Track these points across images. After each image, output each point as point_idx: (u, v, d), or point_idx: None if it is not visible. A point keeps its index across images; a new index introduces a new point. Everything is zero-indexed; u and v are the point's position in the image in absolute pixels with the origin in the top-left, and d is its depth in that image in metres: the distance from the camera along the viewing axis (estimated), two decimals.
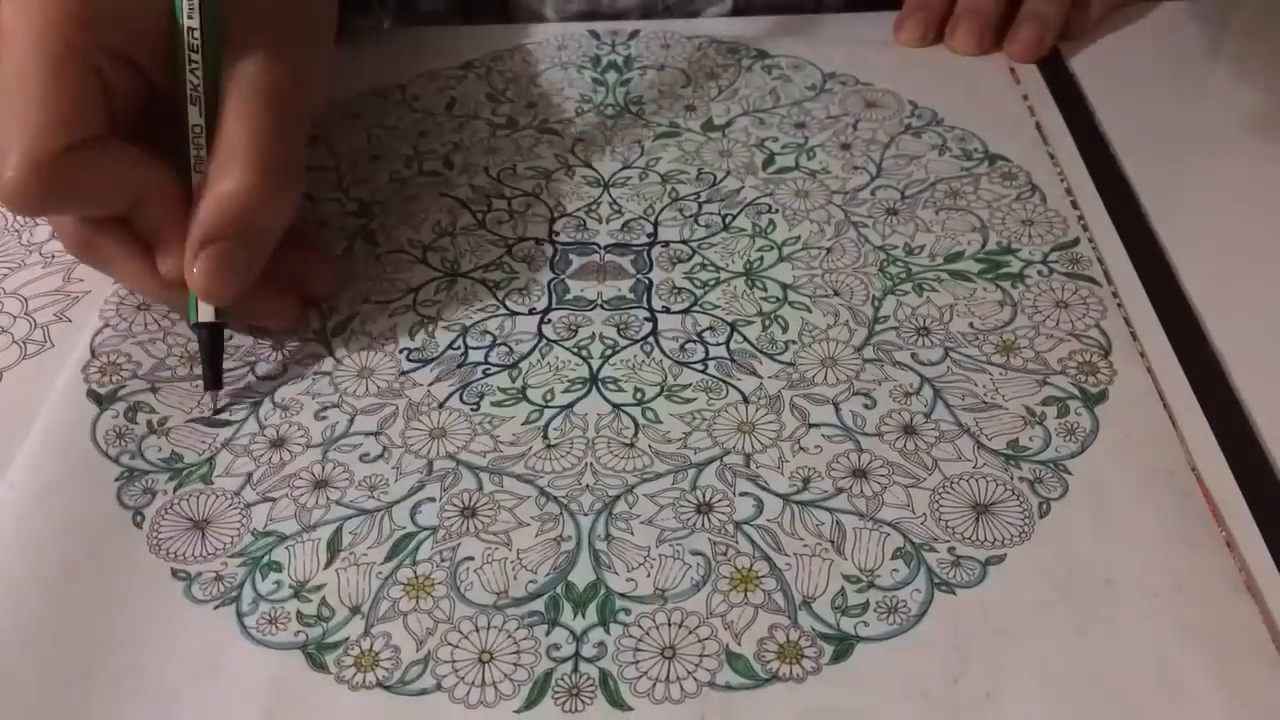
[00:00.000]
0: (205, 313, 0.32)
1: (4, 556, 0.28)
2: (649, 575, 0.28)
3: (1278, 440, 0.30)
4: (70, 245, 0.32)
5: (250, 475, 0.31)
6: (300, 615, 0.27)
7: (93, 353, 0.34)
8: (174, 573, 0.28)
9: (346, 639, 0.27)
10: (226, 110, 0.30)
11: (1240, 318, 0.34)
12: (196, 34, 0.29)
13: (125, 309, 0.36)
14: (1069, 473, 0.30)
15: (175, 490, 0.30)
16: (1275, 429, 0.30)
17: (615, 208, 0.39)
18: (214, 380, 0.32)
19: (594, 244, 0.38)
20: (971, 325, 0.34)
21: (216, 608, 0.28)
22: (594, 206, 0.39)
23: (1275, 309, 0.34)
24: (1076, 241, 0.37)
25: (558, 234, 0.38)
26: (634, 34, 0.48)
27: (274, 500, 0.30)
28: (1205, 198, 0.39)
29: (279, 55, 0.31)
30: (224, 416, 0.32)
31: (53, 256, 0.37)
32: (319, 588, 0.28)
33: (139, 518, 0.30)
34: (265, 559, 0.28)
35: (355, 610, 0.27)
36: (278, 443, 0.31)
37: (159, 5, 0.30)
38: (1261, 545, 0.28)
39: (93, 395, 0.33)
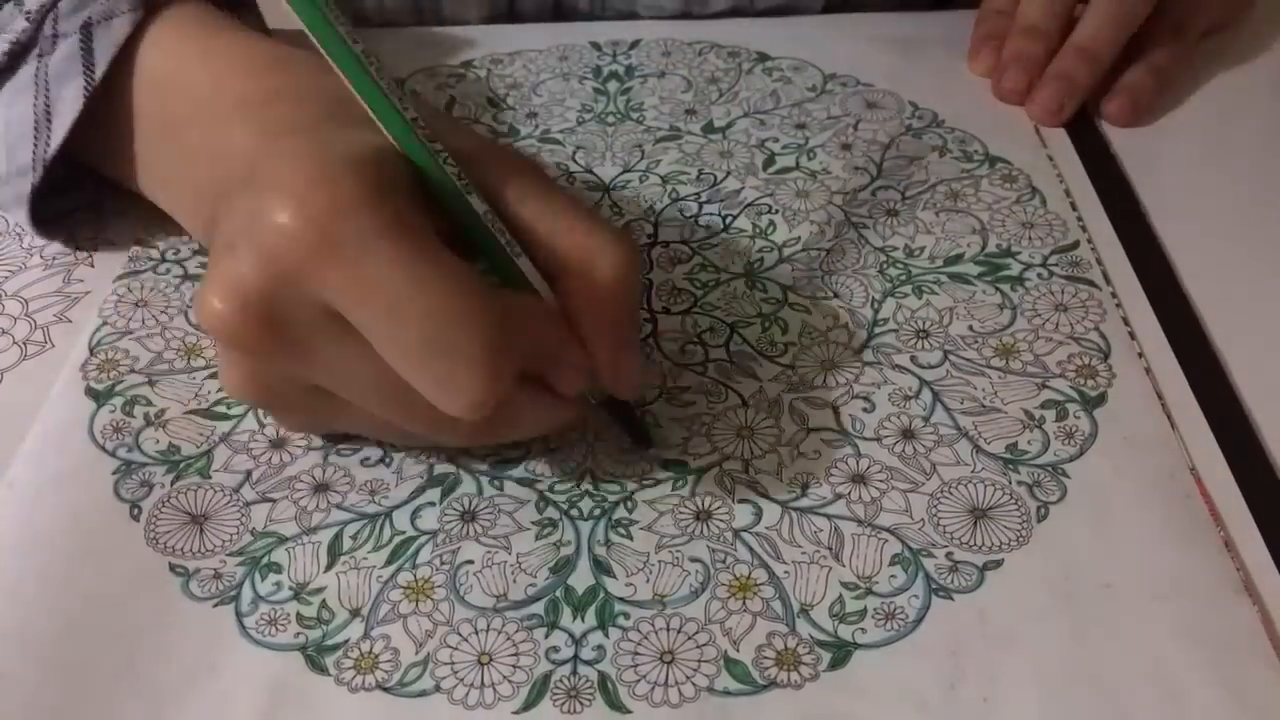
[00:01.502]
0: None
1: (2, 554, 0.28)
2: (648, 580, 0.28)
3: (1278, 442, 0.30)
4: (469, 436, 0.29)
5: (249, 474, 0.31)
6: (300, 617, 0.27)
7: (91, 351, 0.34)
8: (172, 568, 0.28)
9: (346, 641, 0.27)
10: (524, 210, 0.27)
11: (1240, 320, 0.34)
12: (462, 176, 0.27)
13: (124, 306, 0.36)
14: (1068, 476, 0.30)
15: (173, 483, 0.30)
16: (1275, 430, 0.31)
17: (616, 210, 0.39)
18: (644, 438, 0.31)
19: None
20: (971, 328, 0.34)
21: (215, 606, 0.28)
22: (594, 209, 0.39)
23: (1276, 311, 0.34)
24: (1076, 244, 0.37)
25: None
26: (635, 44, 0.48)
27: (274, 501, 0.30)
28: (1205, 199, 0.39)
29: (515, 155, 0.30)
30: (221, 410, 0.32)
31: (53, 259, 0.38)
32: (319, 590, 0.28)
33: (136, 510, 0.30)
34: (265, 559, 0.29)
35: (355, 613, 0.27)
36: (278, 443, 0.31)
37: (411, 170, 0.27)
38: (1262, 547, 0.28)
39: (91, 392, 0.33)
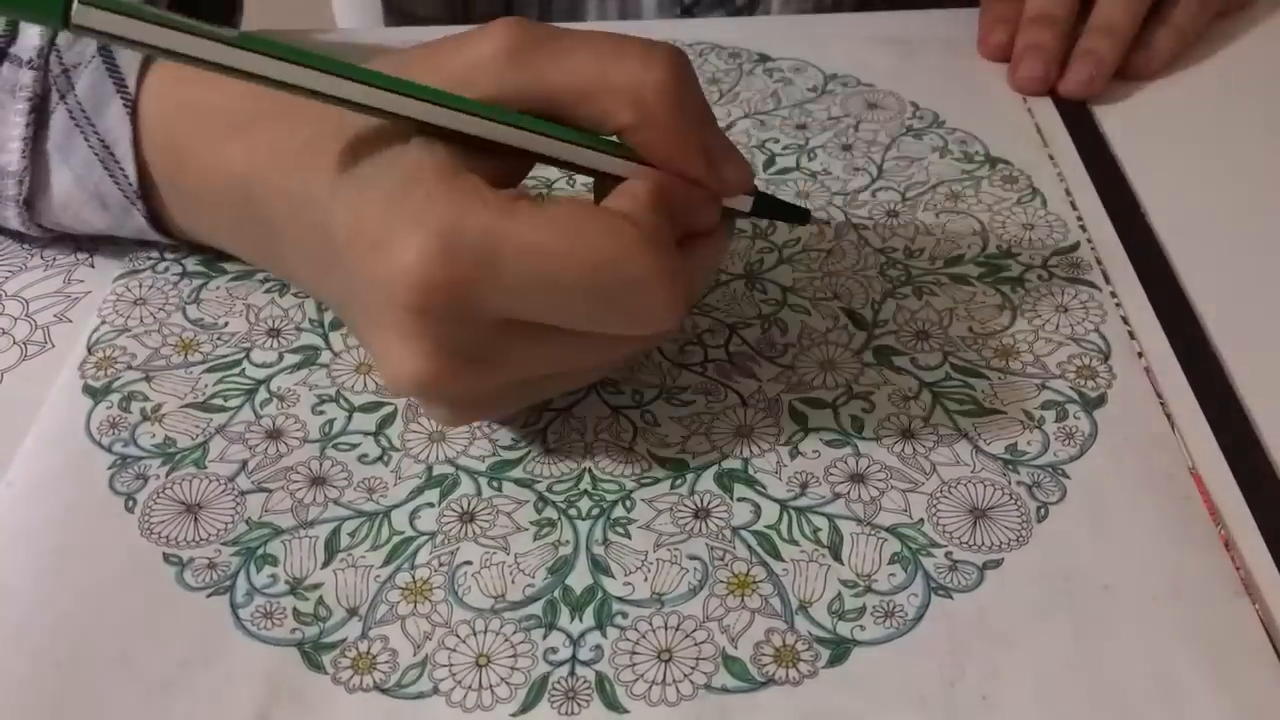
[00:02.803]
0: (746, 203, 0.31)
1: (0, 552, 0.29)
2: (646, 579, 0.28)
3: (1278, 442, 0.30)
4: (679, 311, 0.27)
5: (245, 463, 0.31)
6: (297, 612, 0.27)
7: (89, 350, 0.34)
8: (165, 557, 0.28)
9: (344, 640, 0.27)
10: (558, 86, 0.27)
11: (1241, 321, 0.34)
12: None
13: (122, 305, 0.36)
14: (1067, 477, 0.30)
15: (168, 474, 0.30)
16: (1275, 430, 0.30)
17: None
18: (800, 212, 0.33)
19: None
20: (971, 329, 0.34)
21: (209, 596, 0.28)
22: None
23: (1276, 312, 0.34)
24: (1076, 246, 0.37)
25: None
26: None
27: (269, 491, 0.30)
28: (1206, 200, 0.39)
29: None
30: (218, 402, 0.32)
31: (53, 259, 0.38)
32: (316, 586, 0.28)
33: (131, 503, 0.30)
34: (260, 550, 0.29)
35: (353, 612, 0.27)
36: (274, 434, 0.31)
37: None
38: (1262, 548, 0.28)
39: (88, 390, 0.33)
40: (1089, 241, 0.37)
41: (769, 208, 0.32)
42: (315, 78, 0.25)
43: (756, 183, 0.40)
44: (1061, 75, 0.44)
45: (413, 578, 0.28)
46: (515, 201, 0.25)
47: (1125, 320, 0.34)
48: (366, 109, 0.26)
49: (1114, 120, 0.43)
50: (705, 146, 0.28)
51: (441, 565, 0.28)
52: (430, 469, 0.31)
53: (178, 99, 0.33)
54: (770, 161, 0.41)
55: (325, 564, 0.28)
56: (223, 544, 0.29)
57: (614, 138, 0.28)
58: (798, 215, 0.33)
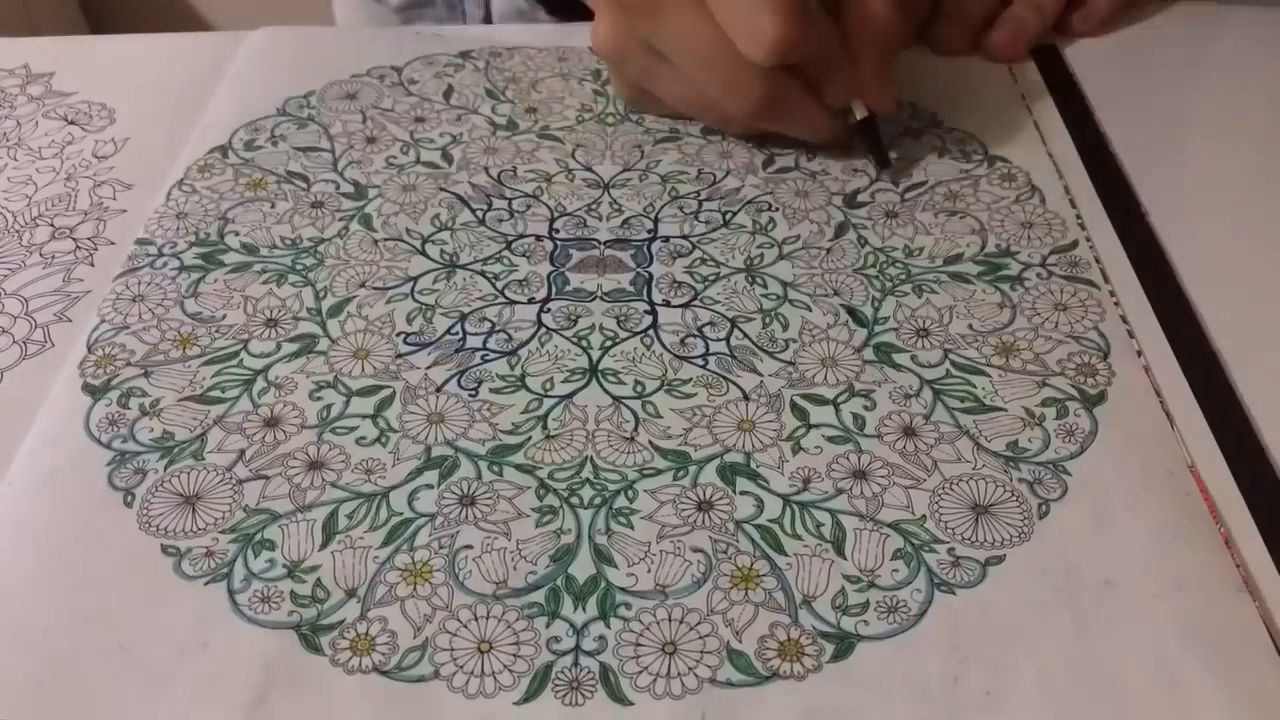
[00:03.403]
0: (862, 112, 0.39)
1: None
2: (649, 571, 0.28)
3: (1277, 440, 0.30)
4: (754, 112, 0.38)
5: (243, 452, 0.30)
6: (294, 595, 0.27)
7: (89, 349, 0.34)
8: (163, 549, 0.28)
9: (342, 621, 0.26)
10: None
11: (1240, 318, 0.34)
12: None
13: (121, 303, 0.35)
14: (1068, 474, 0.30)
15: (166, 468, 0.30)
16: (1274, 428, 0.31)
17: (615, 206, 0.39)
18: (885, 160, 0.40)
19: (594, 239, 0.38)
20: (971, 327, 0.34)
21: (206, 584, 0.27)
22: (594, 206, 0.39)
23: (1275, 309, 0.35)
24: (1075, 244, 0.37)
25: (558, 231, 0.38)
26: None
27: (267, 478, 0.30)
28: (1205, 198, 0.39)
29: None
30: (215, 394, 0.32)
31: (53, 257, 0.37)
32: (314, 569, 0.27)
33: (129, 498, 0.29)
34: (258, 536, 0.28)
35: (351, 593, 0.27)
36: (272, 422, 0.31)
37: None
38: (1261, 545, 0.28)
39: (88, 388, 0.32)
40: (1088, 239, 0.37)
41: (870, 133, 0.39)
42: None
43: (751, 185, 0.40)
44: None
45: (412, 559, 0.28)
46: None
47: (1124, 318, 0.34)
48: None
49: (1113, 118, 0.43)
50: (888, 52, 0.37)
51: (441, 548, 0.28)
52: (429, 450, 0.30)
53: None
54: (769, 161, 0.41)
55: (323, 546, 0.28)
56: (220, 532, 0.28)
57: None
58: (884, 161, 0.39)
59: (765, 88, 0.36)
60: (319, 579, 0.27)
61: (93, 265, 0.37)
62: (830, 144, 0.40)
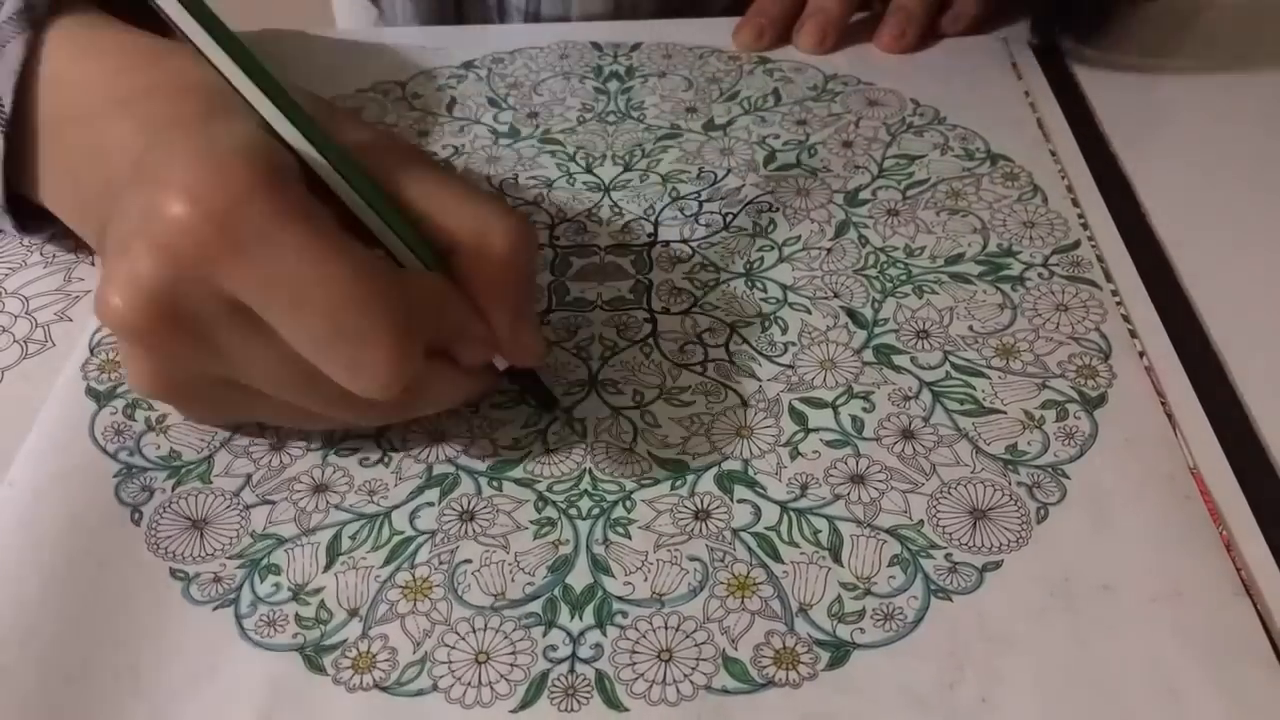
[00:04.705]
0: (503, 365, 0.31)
1: (3, 553, 0.28)
2: (646, 579, 0.28)
3: (1278, 442, 0.30)
4: (382, 417, 0.30)
5: (249, 477, 0.31)
6: (299, 618, 0.27)
7: (91, 351, 0.34)
8: (173, 573, 0.28)
9: (344, 641, 0.27)
10: (412, 193, 0.28)
11: (1242, 320, 0.34)
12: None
13: None
14: (1067, 477, 0.30)
15: (174, 489, 0.30)
16: (1276, 430, 0.30)
17: (616, 210, 0.39)
18: (551, 401, 0.32)
19: (594, 246, 0.38)
20: (971, 328, 0.34)
21: (215, 609, 0.28)
22: (594, 210, 0.39)
23: (1276, 311, 0.34)
24: (1077, 244, 0.37)
25: (558, 239, 0.38)
26: (636, 46, 0.48)
27: (273, 503, 0.30)
28: (1208, 198, 0.39)
29: (403, 142, 0.31)
30: None
31: (53, 256, 0.38)
32: (318, 591, 0.28)
33: (137, 515, 0.30)
34: (264, 561, 0.29)
35: (353, 613, 0.27)
36: (277, 446, 0.31)
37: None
38: (1262, 548, 0.28)
39: (91, 393, 0.33)
40: (1090, 240, 0.37)
41: (529, 385, 0.32)
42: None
43: (752, 183, 0.40)
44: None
45: (412, 576, 0.28)
46: (322, 220, 0.25)
47: (1126, 319, 0.34)
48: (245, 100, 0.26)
49: (1115, 118, 0.43)
50: (520, 304, 0.29)
51: (441, 564, 0.28)
52: (430, 469, 0.30)
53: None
54: (770, 158, 0.41)
55: (327, 568, 0.28)
56: (228, 558, 0.29)
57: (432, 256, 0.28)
58: (548, 403, 0.32)
59: (402, 355, 0.26)
60: (323, 600, 0.28)
61: (93, 265, 0.37)
62: (487, 394, 0.33)
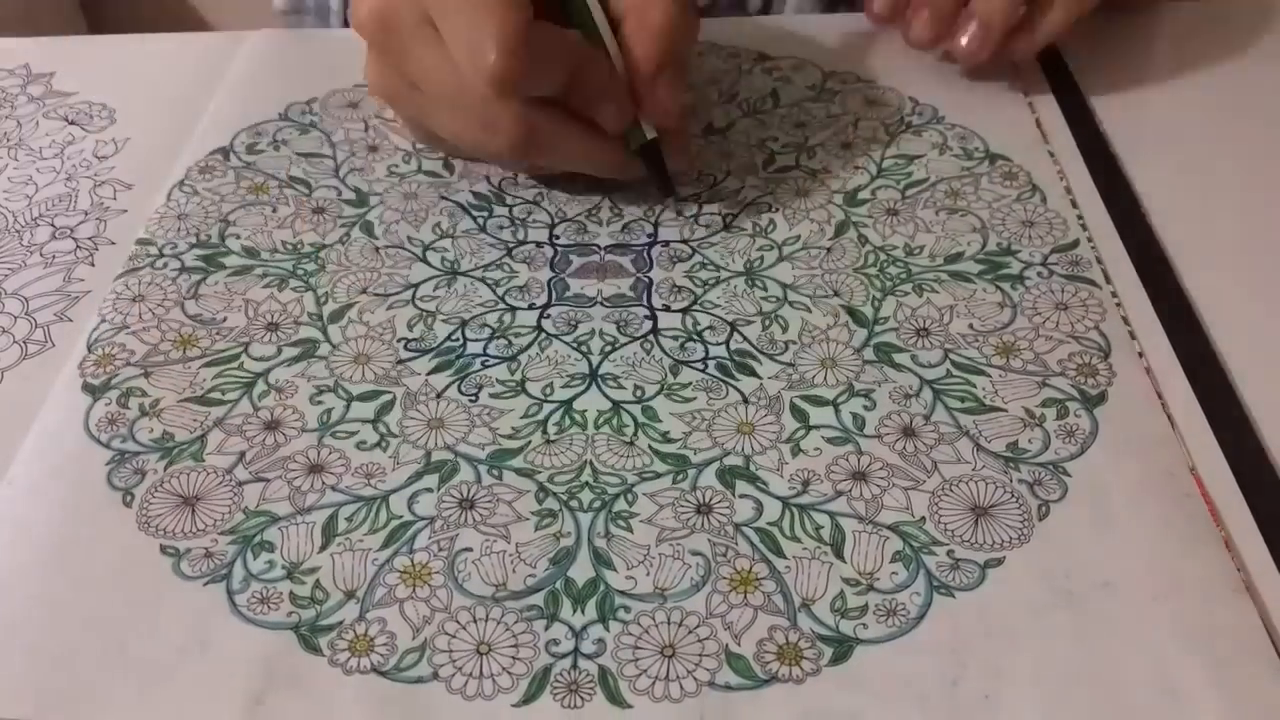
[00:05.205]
0: (650, 134, 0.36)
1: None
2: (649, 574, 0.28)
3: (1278, 441, 0.30)
4: (513, 147, 0.35)
5: (243, 454, 0.30)
6: (294, 596, 0.27)
7: (89, 348, 0.34)
8: (162, 549, 0.28)
9: (341, 622, 0.27)
10: None
11: (1241, 319, 0.34)
12: None
13: (121, 303, 0.35)
14: (1068, 475, 0.30)
15: (166, 469, 0.30)
16: (1275, 430, 0.31)
17: (615, 210, 0.39)
18: (668, 188, 0.38)
19: (594, 245, 0.38)
20: (971, 327, 0.34)
21: (205, 584, 0.27)
22: (594, 210, 0.39)
23: (1276, 311, 0.34)
24: (1076, 243, 0.37)
25: (558, 237, 0.38)
26: None
27: (267, 481, 0.30)
28: (1207, 197, 0.39)
29: None
30: (216, 395, 0.32)
31: (53, 257, 0.37)
32: (313, 570, 0.28)
33: (129, 498, 0.29)
34: (257, 538, 0.28)
35: (350, 595, 0.27)
36: (272, 425, 0.31)
37: None
38: (1261, 546, 0.28)
39: (87, 388, 0.33)
40: (1089, 239, 0.37)
41: (652, 158, 0.37)
42: None
43: (752, 185, 0.40)
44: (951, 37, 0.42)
45: (411, 562, 0.28)
46: None
47: (1125, 319, 0.34)
48: None
49: (1114, 116, 0.43)
50: (663, 64, 0.35)
51: (441, 551, 0.28)
52: (429, 455, 0.30)
53: None
54: (770, 160, 0.41)
55: (322, 548, 0.28)
56: (220, 534, 0.28)
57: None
58: (667, 188, 0.37)
59: (518, 121, 0.34)
60: (318, 580, 0.27)
61: (93, 265, 0.37)
62: (622, 177, 0.38)
